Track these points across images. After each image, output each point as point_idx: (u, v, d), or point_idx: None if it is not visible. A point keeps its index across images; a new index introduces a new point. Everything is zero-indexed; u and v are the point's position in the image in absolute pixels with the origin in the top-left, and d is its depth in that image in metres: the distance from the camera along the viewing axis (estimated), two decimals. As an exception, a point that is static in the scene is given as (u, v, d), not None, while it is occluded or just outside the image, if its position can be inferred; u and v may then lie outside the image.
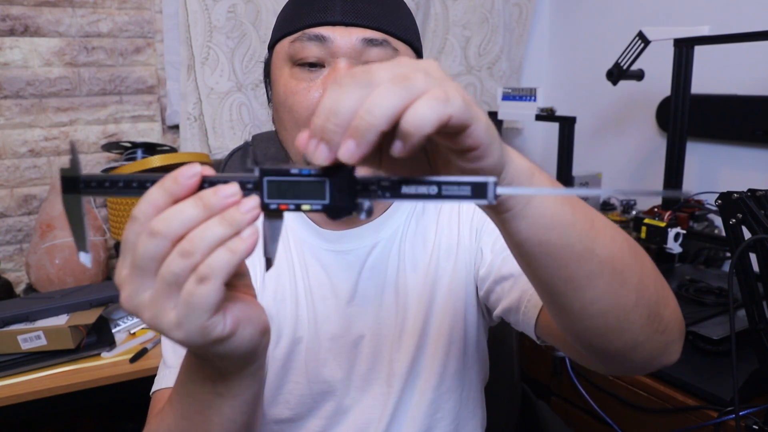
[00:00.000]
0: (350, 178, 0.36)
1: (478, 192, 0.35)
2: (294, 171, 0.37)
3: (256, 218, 0.36)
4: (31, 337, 1.06)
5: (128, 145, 1.48)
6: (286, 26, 0.65)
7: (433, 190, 0.36)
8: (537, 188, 0.40)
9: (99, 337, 1.13)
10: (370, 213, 0.37)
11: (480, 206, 0.42)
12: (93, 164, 1.57)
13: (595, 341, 0.49)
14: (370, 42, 0.62)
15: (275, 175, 0.37)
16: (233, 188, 0.36)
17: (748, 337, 0.84)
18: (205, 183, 0.37)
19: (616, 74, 1.34)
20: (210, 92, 1.56)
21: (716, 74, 1.43)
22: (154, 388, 0.68)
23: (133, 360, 1.09)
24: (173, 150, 1.55)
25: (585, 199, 1.52)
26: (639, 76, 1.38)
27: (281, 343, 0.70)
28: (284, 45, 0.65)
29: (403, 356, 0.70)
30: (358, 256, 0.71)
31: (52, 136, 1.51)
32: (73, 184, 0.39)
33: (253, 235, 0.36)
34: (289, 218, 0.73)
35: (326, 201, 0.37)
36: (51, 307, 1.11)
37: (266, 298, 0.71)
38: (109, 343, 1.13)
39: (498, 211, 0.41)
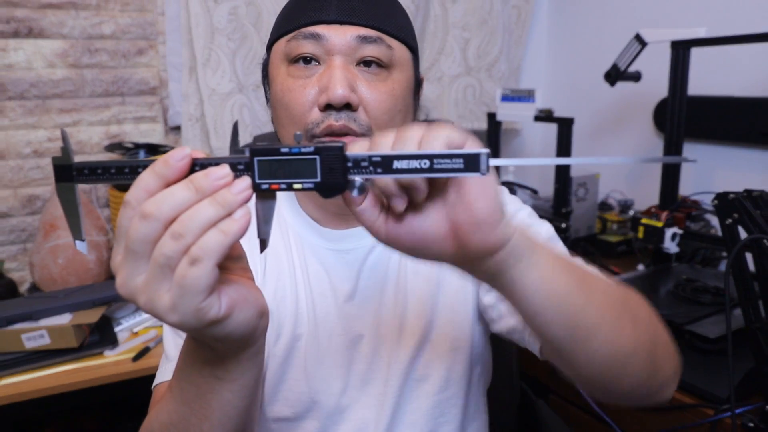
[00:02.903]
0: (341, 155, 0.36)
1: (470, 164, 0.35)
2: (284, 150, 0.37)
3: (248, 199, 0.37)
4: (34, 335, 1.06)
5: (131, 145, 1.49)
6: (282, 26, 0.66)
7: (425, 164, 0.35)
8: (526, 159, 0.41)
9: (102, 335, 1.14)
10: (362, 190, 0.37)
11: (493, 281, 0.44)
12: (95, 165, 1.57)
13: (599, 386, 0.52)
14: (365, 39, 0.62)
15: (266, 155, 0.37)
16: (224, 170, 0.37)
17: (744, 335, 0.85)
18: (197, 166, 0.38)
19: (614, 76, 1.36)
20: (211, 93, 1.57)
21: (713, 76, 1.44)
22: (155, 382, 0.68)
23: (135, 358, 1.10)
24: (175, 151, 1.56)
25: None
26: (636, 77, 1.39)
27: (281, 341, 0.71)
28: (281, 45, 0.66)
29: (401, 357, 0.70)
30: (357, 255, 0.72)
31: (56, 137, 1.52)
32: (66, 172, 0.40)
33: (245, 216, 0.36)
34: (290, 217, 0.74)
35: (317, 179, 0.37)
36: (54, 306, 1.12)
37: (266, 296, 0.70)
38: (112, 341, 1.14)
39: (509, 266, 0.42)
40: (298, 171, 0.37)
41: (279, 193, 0.38)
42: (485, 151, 0.35)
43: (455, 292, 0.72)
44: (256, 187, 0.37)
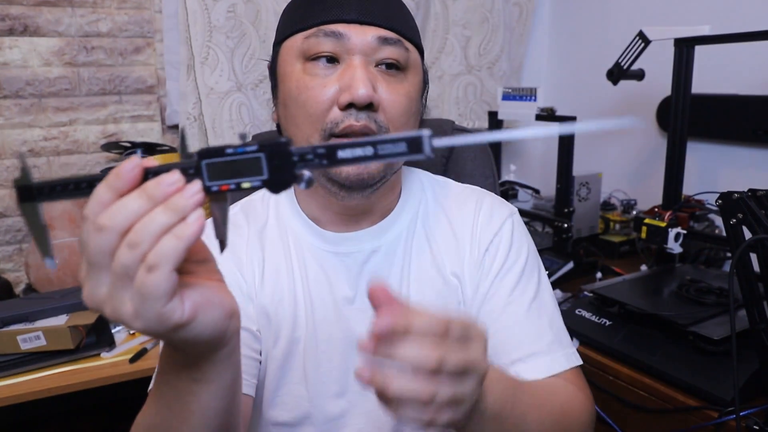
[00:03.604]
0: (285, 150, 0.37)
1: (413, 147, 0.36)
2: (229, 150, 0.38)
3: (200, 203, 0.37)
4: (30, 337, 1.06)
5: (128, 144, 1.48)
6: (298, 22, 0.65)
7: (369, 151, 0.36)
8: (465, 136, 0.39)
9: (98, 337, 1.13)
10: (310, 183, 0.37)
11: None
12: (93, 164, 1.56)
13: None
14: (385, 41, 0.63)
15: (212, 157, 0.38)
16: (174, 176, 0.37)
17: (748, 337, 0.84)
18: (149, 174, 0.38)
19: (617, 74, 1.34)
20: (210, 92, 1.56)
21: (717, 74, 1.43)
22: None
23: (132, 360, 1.09)
24: (173, 150, 1.55)
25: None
26: (639, 75, 1.38)
27: (279, 344, 0.70)
28: (296, 41, 0.64)
29: None
30: (357, 259, 0.71)
31: (52, 136, 1.51)
32: (28, 192, 0.41)
33: (198, 219, 0.37)
34: (290, 217, 0.73)
35: (264, 176, 0.37)
36: (50, 307, 1.11)
37: (264, 299, 0.71)
38: (109, 343, 1.13)
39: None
40: (245, 170, 0.38)
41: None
42: (427, 132, 0.35)
43: (458, 304, 0.72)
44: (206, 190, 0.38)
